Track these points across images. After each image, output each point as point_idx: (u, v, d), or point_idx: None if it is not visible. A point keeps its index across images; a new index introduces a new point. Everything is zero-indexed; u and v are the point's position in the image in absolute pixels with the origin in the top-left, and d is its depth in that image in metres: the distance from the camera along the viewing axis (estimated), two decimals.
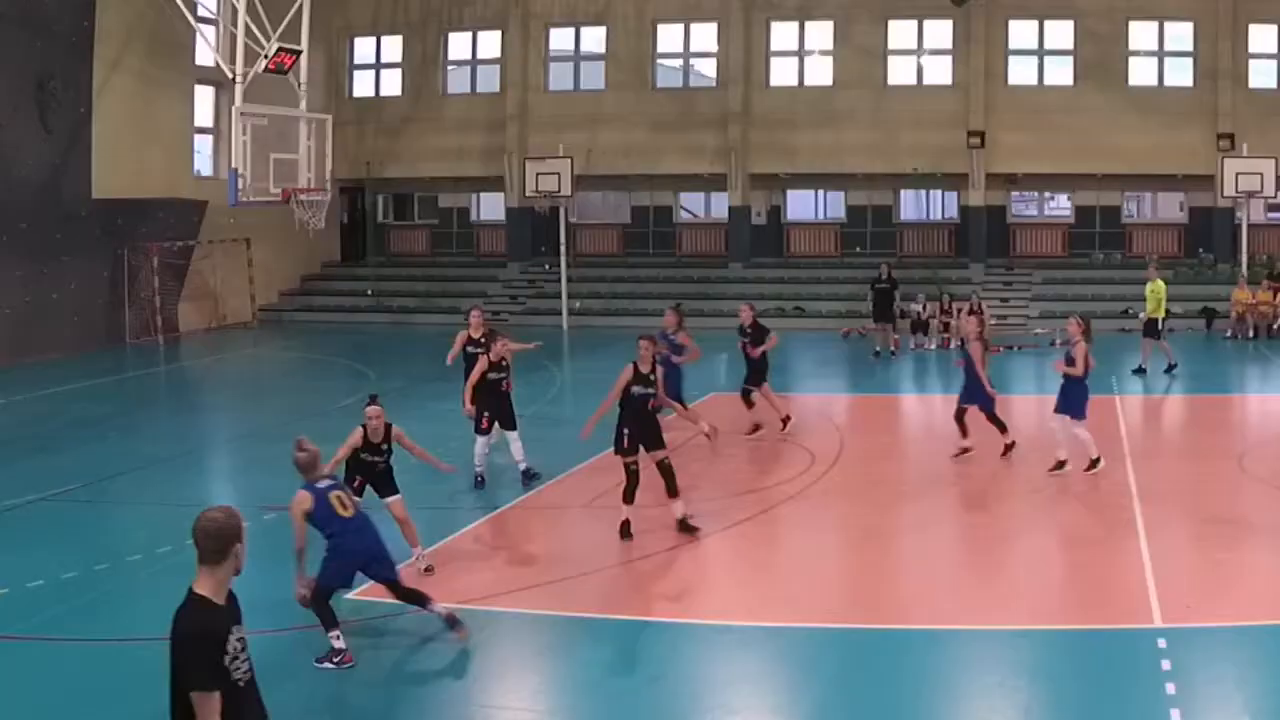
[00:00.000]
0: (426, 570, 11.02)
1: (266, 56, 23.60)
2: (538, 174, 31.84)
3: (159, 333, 29.45)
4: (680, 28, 34.63)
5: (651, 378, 12.19)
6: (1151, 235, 33.04)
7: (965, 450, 15.38)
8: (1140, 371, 22.53)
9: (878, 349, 25.75)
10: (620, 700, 8.53)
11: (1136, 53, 31.62)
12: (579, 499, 13.61)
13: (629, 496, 12.19)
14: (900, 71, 32.99)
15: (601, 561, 11.66)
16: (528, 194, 32.65)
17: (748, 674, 9.02)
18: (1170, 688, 8.11)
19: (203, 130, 32.03)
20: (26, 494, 14.14)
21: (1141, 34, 31.57)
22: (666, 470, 12.15)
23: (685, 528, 12.21)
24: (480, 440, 14.29)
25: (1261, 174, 28.42)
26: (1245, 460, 15.08)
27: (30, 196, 25.61)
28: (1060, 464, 14.33)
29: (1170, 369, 22.55)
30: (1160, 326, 22.83)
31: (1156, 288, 22.92)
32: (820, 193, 35.41)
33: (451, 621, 9.41)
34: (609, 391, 12.34)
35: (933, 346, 26.96)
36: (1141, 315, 23.49)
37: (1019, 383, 22.73)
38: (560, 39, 35.21)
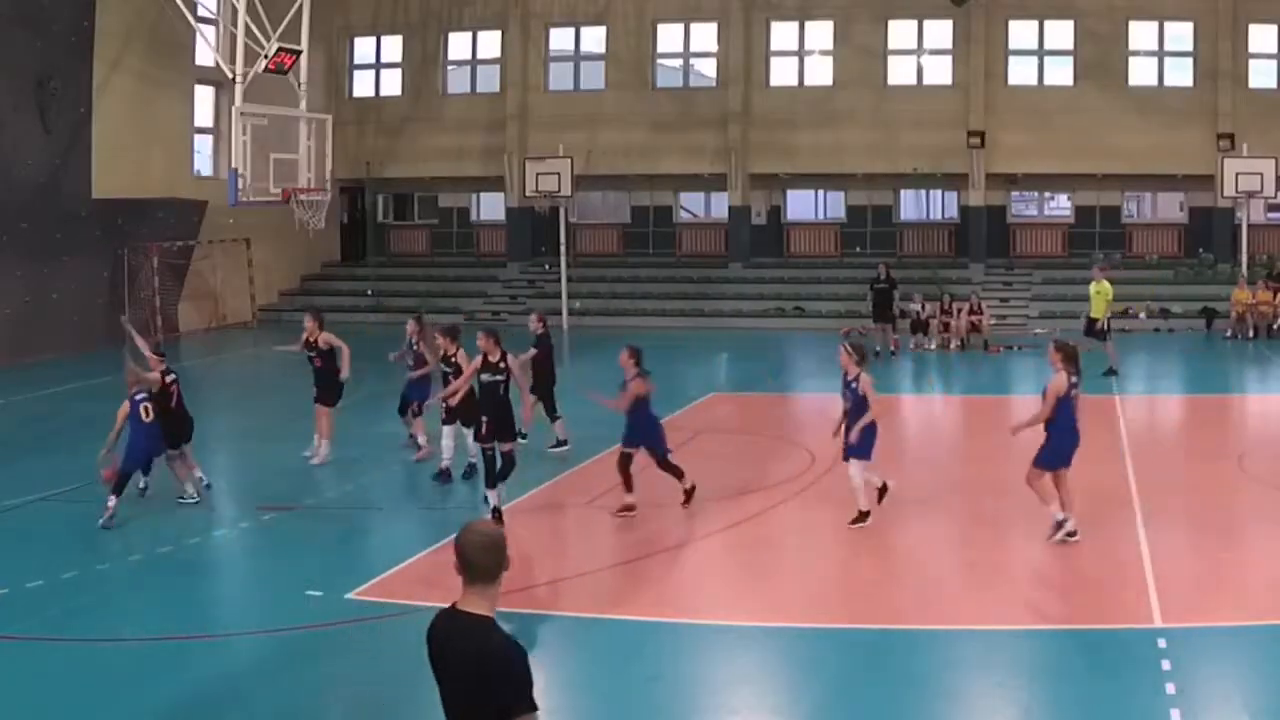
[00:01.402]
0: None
1: (266, 56, 23.57)
2: (538, 174, 31.82)
3: (159, 333, 29.35)
4: (680, 28, 34.63)
5: (501, 365, 12.79)
6: (1151, 235, 33.04)
7: (628, 508, 12.92)
8: (1111, 373, 22.10)
9: (877, 349, 25.69)
10: (620, 700, 8.53)
11: (1136, 53, 31.60)
12: (578, 499, 13.60)
13: (490, 481, 12.69)
14: (900, 71, 32.98)
15: (601, 561, 11.66)
16: (528, 194, 32.64)
17: (747, 674, 9.02)
18: (1170, 688, 8.10)
19: (203, 130, 32.02)
20: (26, 494, 14.13)
21: (1141, 34, 31.56)
22: (509, 461, 12.71)
23: (495, 515, 12.53)
24: (444, 430, 14.66)
25: (1261, 174, 28.40)
26: (1245, 460, 15.07)
27: (30, 196, 25.60)
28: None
29: (1110, 372, 22.00)
30: (1106, 327, 22.74)
31: (1102, 288, 22.85)
32: (820, 193, 35.37)
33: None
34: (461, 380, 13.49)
35: (933, 347, 26.94)
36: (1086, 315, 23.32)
37: (1020, 382, 22.74)
38: (560, 39, 35.21)
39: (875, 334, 26.17)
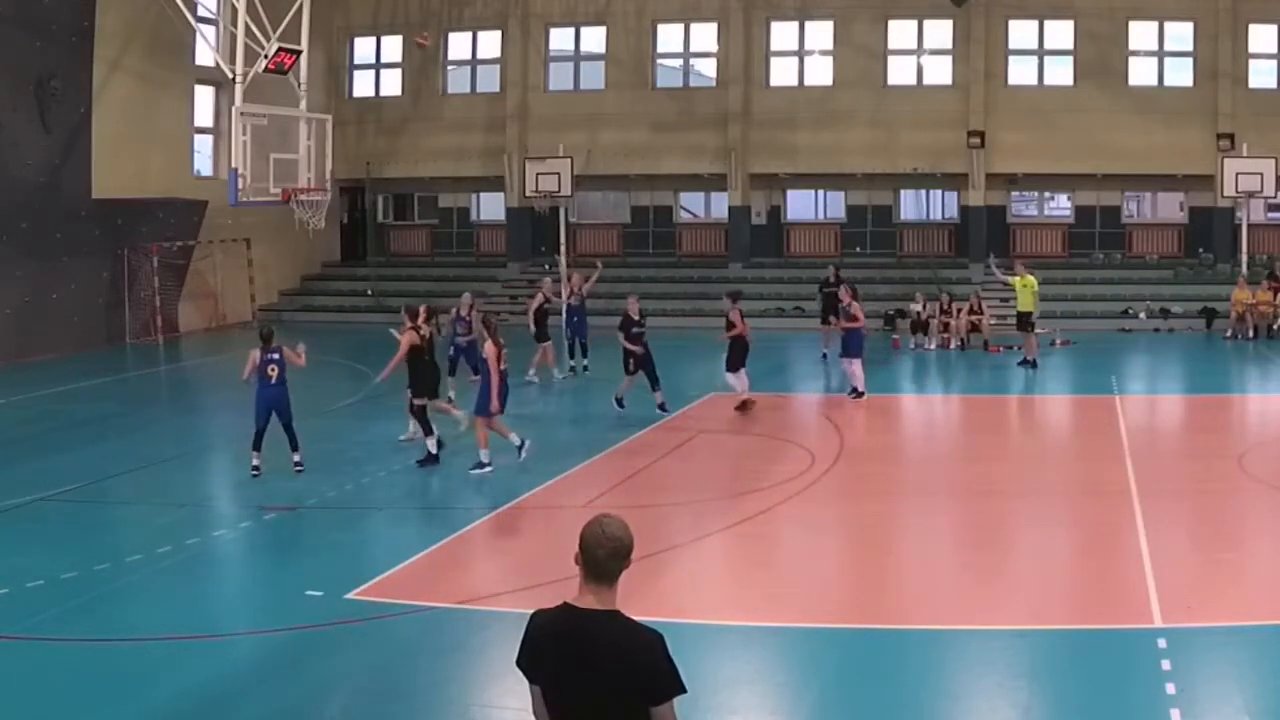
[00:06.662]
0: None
1: (266, 56, 23.56)
2: (538, 174, 31.82)
3: (159, 333, 29.43)
4: (680, 28, 34.63)
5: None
6: (1151, 235, 33.05)
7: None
8: (1028, 364, 23.20)
9: (824, 352, 24.63)
10: None
11: (1136, 53, 31.60)
12: (579, 499, 13.60)
13: None
14: (900, 71, 32.98)
15: None
16: (528, 194, 32.65)
17: (748, 674, 9.01)
18: (1170, 688, 8.10)
19: (203, 130, 32.01)
20: (26, 494, 14.12)
21: (1141, 34, 31.56)
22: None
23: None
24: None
25: (1261, 174, 28.41)
26: (1245, 460, 15.07)
27: (30, 196, 25.59)
28: None
29: (1026, 363, 23.26)
30: (1031, 320, 23.75)
31: (1027, 282, 23.94)
32: (820, 193, 35.36)
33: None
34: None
35: (932, 346, 26.92)
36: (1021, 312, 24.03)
37: (1020, 382, 22.74)
38: (560, 39, 35.21)
39: (823, 335, 25.18)
